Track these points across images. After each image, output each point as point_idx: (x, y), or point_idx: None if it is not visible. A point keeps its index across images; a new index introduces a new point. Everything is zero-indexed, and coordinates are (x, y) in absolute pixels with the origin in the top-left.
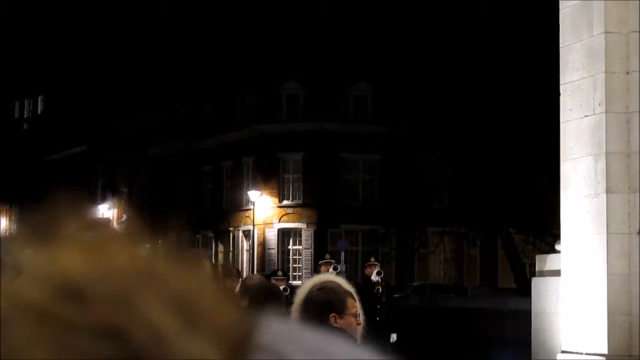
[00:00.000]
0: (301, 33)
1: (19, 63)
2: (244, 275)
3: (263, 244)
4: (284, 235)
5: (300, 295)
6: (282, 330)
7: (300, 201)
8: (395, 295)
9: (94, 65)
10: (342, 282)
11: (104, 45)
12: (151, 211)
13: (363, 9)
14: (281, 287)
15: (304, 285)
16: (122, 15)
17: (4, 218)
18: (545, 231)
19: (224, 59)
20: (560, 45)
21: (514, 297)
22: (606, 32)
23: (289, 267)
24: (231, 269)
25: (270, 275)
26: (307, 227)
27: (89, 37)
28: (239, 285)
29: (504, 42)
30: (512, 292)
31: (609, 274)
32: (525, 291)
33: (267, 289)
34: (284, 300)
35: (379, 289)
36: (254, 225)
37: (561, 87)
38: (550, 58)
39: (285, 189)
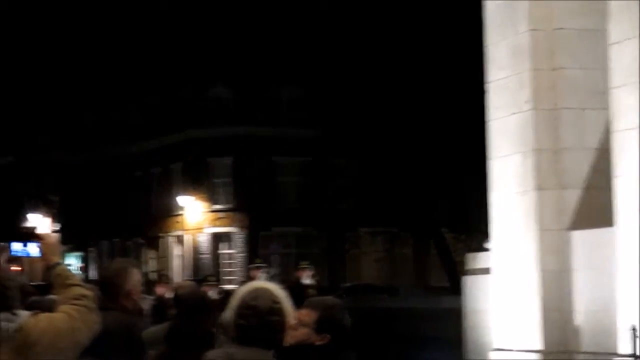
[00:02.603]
0: (229, 36)
1: None
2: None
3: (195, 248)
4: (216, 239)
5: (233, 303)
6: None
7: (232, 205)
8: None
9: (17, 74)
10: (274, 288)
11: (25, 51)
12: (82, 219)
13: (289, 10)
14: (216, 291)
15: (237, 293)
16: (48, 21)
17: None
18: (476, 229)
19: (152, 63)
20: (485, 44)
21: (447, 296)
22: (531, 30)
23: (221, 271)
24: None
25: (201, 280)
26: (239, 231)
27: (11, 45)
28: (170, 293)
29: (427, 41)
30: (444, 291)
31: (541, 270)
32: (457, 290)
33: (196, 299)
34: (212, 308)
35: (310, 292)
36: (185, 230)
37: (486, 86)
38: (474, 56)
39: (216, 194)
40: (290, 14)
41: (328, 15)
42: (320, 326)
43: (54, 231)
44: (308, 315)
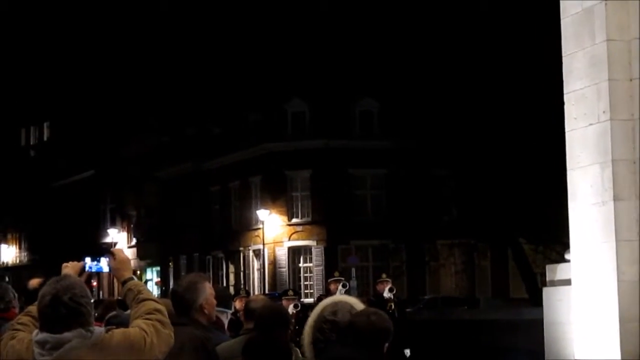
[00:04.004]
0: (304, 50)
1: (24, 90)
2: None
3: (274, 262)
4: (294, 253)
5: (312, 318)
6: None
7: (310, 219)
8: (408, 310)
9: (98, 90)
10: (354, 301)
11: (107, 69)
12: (160, 234)
13: (366, 24)
14: (292, 305)
15: (317, 308)
16: (125, 40)
17: (15, 246)
18: (555, 240)
19: (228, 78)
20: (563, 54)
21: (527, 307)
22: (608, 40)
23: (300, 285)
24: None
25: (281, 294)
26: (317, 244)
27: (93, 62)
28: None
29: (507, 51)
30: (524, 302)
31: (619, 281)
32: (537, 301)
33: (274, 312)
34: (290, 322)
35: (391, 305)
36: (264, 244)
37: (565, 96)
38: (554, 67)
39: (294, 207)
40: (364, 28)
41: (403, 26)
42: None
43: (132, 246)
44: None
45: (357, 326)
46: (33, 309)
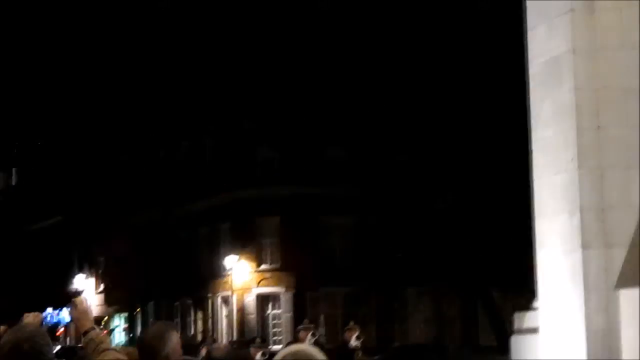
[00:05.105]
0: (271, 97)
1: None
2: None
3: (242, 309)
4: (263, 300)
5: None
6: None
7: (279, 265)
8: (376, 358)
9: (65, 136)
10: (315, 352)
11: (72, 114)
12: (129, 280)
13: (337, 73)
14: (260, 354)
15: (276, 357)
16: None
17: None
18: (523, 288)
19: (199, 125)
20: (529, 102)
21: (496, 356)
22: (575, 88)
23: (268, 332)
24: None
25: (248, 342)
26: (285, 291)
27: (59, 108)
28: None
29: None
30: (493, 350)
31: (587, 330)
32: (506, 349)
33: None
34: None
35: (358, 353)
36: (232, 290)
37: (532, 144)
38: (518, 115)
39: (263, 254)
40: (332, 76)
41: (368, 75)
42: None
43: (100, 292)
44: None
45: None
46: None
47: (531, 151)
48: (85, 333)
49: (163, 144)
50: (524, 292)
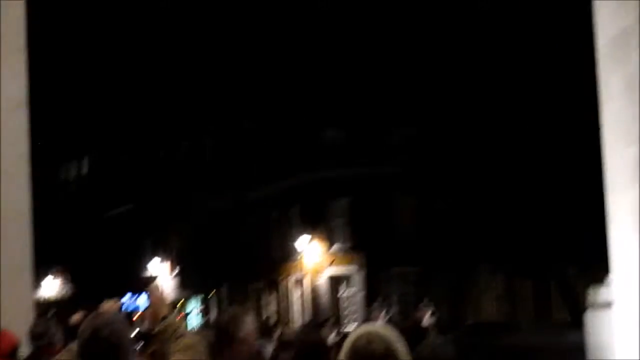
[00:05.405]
0: (339, 78)
1: (62, 126)
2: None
3: (315, 290)
4: (335, 281)
5: (345, 348)
6: None
7: (350, 245)
8: (449, 335)
9: (136, 123)
10: (388, 330)
11: (142, 101)
12: (202, 264)
13: (398, 51)
14: (333, 335)
15: (349, 338)
16: (159, 75)
17: (58, 280)
18: (597, 263)
19: (266, 109)
20: (599, 76)
21: (570, 331)
22: None
23: (341, 312)
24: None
25: (321, 323)
26: (357, 271)
27: (129, 93)
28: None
29: (542, 76)
30: (567, 325)
31: None
32: (580, 324)
33: (312, 343)
34: (329, 352)
35: (432, 332)
36: (304, 272)
37: (602, 119)
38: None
39: (334, 235)
40: (400, 55)
41: (438, 54)
42: None
43: (174, 276)
44: None
45: (422, 358)
46: (74, 346)
47: (602, 124)
48: (162, 319)
49: (230, 129)
50: (597, 267)
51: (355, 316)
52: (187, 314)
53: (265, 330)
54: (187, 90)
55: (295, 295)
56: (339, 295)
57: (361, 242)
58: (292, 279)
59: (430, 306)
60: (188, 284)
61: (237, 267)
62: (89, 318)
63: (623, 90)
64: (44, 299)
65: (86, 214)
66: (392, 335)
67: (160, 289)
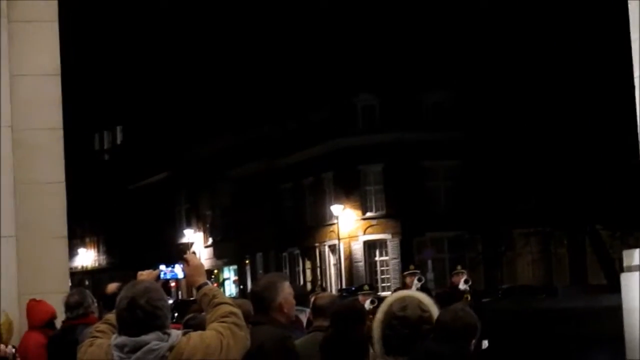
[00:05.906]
0: (370, 43)
1: (96, 95)
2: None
3: (349, 257)
4: (370, 247)
5: (380, 314)
6: None
7: (384, 212)
8: (485, 300)
9: (169, 92)
10: (422, 296)
11: (178, 70)
12: (236, 232)
13: (430, 15)
14: (368, 301)
15: (384, 304)
16: (193, 42)
17: (93, 250)
18: (632, 225)
19: (296, 76)
20: (632, 39)
21: (606, 294)
22: None
23: (376, 279)
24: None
25: (356, 290)
26: (392, 237)
27: (163, 63)
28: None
29: (575, 39)
30: (603, 289)
31: None
32: (616, 287)
33: (349, 309)
34: (365, 318)
35: (467, 297)
36: (339, 239)
37: (635, 80)
38: (623, 52)
39: (368, 201)
40: (431, 18)
41: (470, 18)
42: None
43: (208, 245)
44: None
45: (444, 322)
46: (111, 317)
47: (635, 87)
48: (199, 288)
49: (263, 95)
50: (632, 230)
51: (390, 283)
52: (221, 284)
53: (300, 297)
54: (217, 59)
55: (331, 262)
56: (373, 261)
57: (395, 208)
58: (326, 246)
59: (465, 272)
60: (222, 254)
61: (271, 235)
62: (126, 287)
63: None
64: (80, 269)
65: (121, 183)
66: (427, 301)
67: (196, 256)
